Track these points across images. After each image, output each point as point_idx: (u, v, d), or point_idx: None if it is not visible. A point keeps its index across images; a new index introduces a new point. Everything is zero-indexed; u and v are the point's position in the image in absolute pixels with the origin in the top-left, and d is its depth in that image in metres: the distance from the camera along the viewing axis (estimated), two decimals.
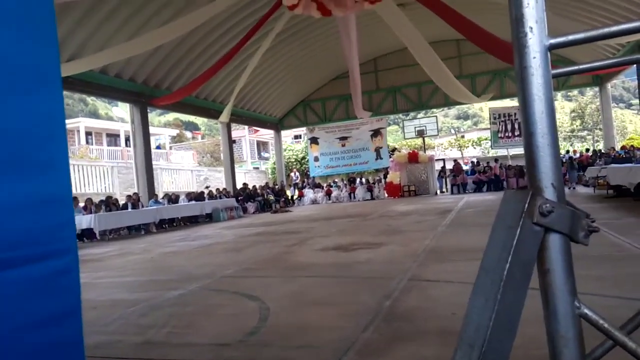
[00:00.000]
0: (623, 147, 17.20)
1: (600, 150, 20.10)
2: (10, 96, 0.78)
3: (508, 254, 0.55)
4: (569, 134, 37.92)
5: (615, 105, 40.37)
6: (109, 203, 13.67)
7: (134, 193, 15.01)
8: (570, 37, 0.62)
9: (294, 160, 31.77)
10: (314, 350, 2.63)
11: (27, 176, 0.80)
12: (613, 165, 11.56)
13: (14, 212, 0.77)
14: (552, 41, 0.61)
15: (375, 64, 23.35)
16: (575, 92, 44.67)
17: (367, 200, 21.61)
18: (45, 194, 0.83)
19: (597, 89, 22.29)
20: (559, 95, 23.35)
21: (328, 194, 22.83)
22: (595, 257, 4.12)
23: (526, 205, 0.58)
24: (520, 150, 25.59)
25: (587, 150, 20.97)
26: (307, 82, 23.53)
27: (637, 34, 0.67)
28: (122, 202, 14.65)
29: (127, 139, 26.92)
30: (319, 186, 23.79)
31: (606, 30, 0.62)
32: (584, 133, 38.37)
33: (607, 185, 11.59)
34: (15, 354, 0.78)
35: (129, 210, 13.56)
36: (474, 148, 34.97)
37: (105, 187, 20.64)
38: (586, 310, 0.58)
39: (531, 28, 0.60)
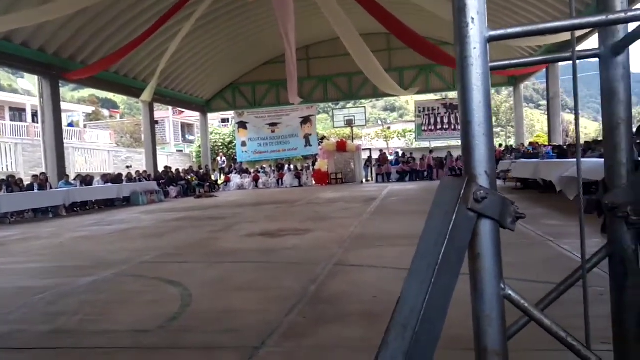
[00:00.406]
0: (531, 144, 18.77)
1: (511, 145, 21.75)
2: None
3: (444, 239, 0.57)
4: None
5: (526, 105, 43.90)
6: (11, 183, 12.47)
7: (42, 173, 13.81)
8: (509, 30, 0.64)
9: (220, 144, 31.01)
10: (238, 334, 2.61)
11: None
12: (522, 160, 12.58)
13: None
14: (492, 33, 0.63)
15: (307, 51, 23.30)
16: (493, 91, 47.81)
17: (295, 187, 21.71)
18: None
19: (511, 88, 23.97)
20: None
21: (255, 179, 22.62)
22: (505, 244, 4.47)
23: (462, 191, 0.60)
24: (441, 143, 27.10)
25: (500, 145, 22.60)
26: (237, 65, 22.93)
27: (572, 30, 0.71)
28: (27, 182, 13.43)
29: (34, 115, 24.63)
30: (246, 172, 23.47)
31: (542, 26, 0.65)
32: (498, 129, 41.31)
33: (516, 179, 12.63)
34: None
35: (35, 191, 12.47)
36: (399, 139, 36.33)
37: (7, 165, 18.79)
38: (510, 292, 0.62)
39: (472, 19, 0.62)
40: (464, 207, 0.60)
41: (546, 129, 21.94)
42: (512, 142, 27.19)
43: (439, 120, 23.39)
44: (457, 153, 23.46)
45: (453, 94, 27.72)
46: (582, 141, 19.29)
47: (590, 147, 11.02)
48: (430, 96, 26.28)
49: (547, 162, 11.04)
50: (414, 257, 0.58)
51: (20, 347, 2.61)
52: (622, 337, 0.85)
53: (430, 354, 0.53)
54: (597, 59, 0.85)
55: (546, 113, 22.75)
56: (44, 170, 14.32)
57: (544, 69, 19.22)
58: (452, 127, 23.38)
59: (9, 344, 2.66)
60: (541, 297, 0.85)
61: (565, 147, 13.37)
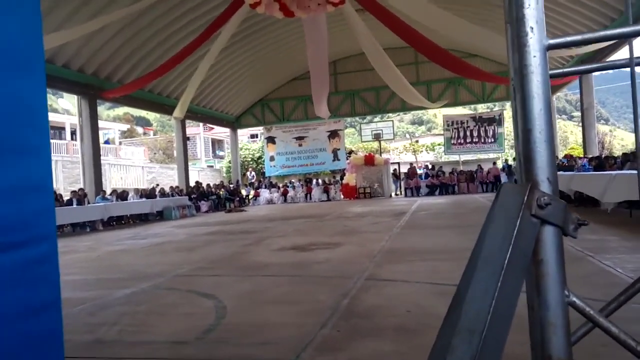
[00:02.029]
0: (565, 156, 18.28)
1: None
2: None
3: (509, 244, 0.57)
4: (512, 143, 39.79)
5: (559, 116, 42.86)
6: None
7: (80, 189, 14.32)
8: (568, 39, 0.65)
9: (250, 159, 31.44)
10: (273, 347, 2.62)
11: (9, 162, 0.74)
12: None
13: None
14: (551, 41, 0.64)
15: (334, 66, 23.51)
16: None
17: (324, 201, 21.74)
18: (27, 179, 0.77)
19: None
20: (507, 105, 24.48)
21: (284, 194, 22.76)
22: None
23: (525, 197, 0.60)
24: (471, 157, 26.67)
25: None
26: (265, 81, 23.35)
27: (631, 37, 0.71)
28: (66, 197, 13.93)
29: (72, 132, 25.63)
30: (275, 186, 23.67)
31: (601, 33, 0.66)
32: None
33: None
34: None
35: (74, 206, 12.92)
36: (428, 153, 35.98)
37: None
38: (574, 299, 0.62)
39: (532, 28, 0.63)
40: (527, 214, 0.60)
41: (580, 140, 21.31)
42: None
43: (468, 133, 23.09)
44: (487, 166, 23.02)
45: (482, 107, 27.34)
46: (619, 152, 18.65)
47: (629, 159, 10.65)
48: (459, 109, 26.05)
49: (583, 174, 10.73)
50: (476, 263, 0.59)
51: (67, 357, 2.69)
52: None
53: (497, 358, 0.54)
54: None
55: (580, 124, 22.12)
56: (82, 186, 14.83)
57: (577, 80, 18.78)
58: (482, 140, 23.00)
59: None
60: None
61: (603, 158, 12.94)
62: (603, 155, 16.36)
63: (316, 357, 2.43)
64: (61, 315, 0.84)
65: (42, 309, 0.80)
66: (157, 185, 20.36)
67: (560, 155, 20.06)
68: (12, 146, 0.77)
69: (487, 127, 22.90)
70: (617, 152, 25.44)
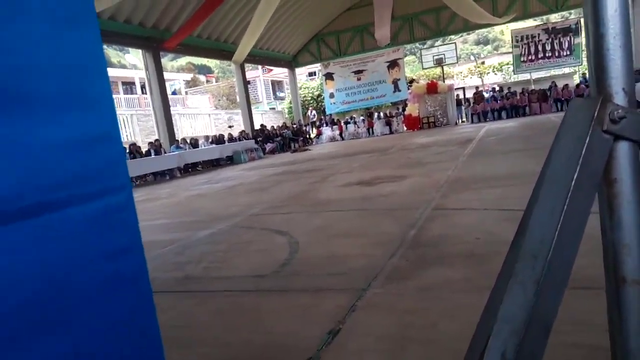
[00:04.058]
0: None
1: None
2: (51, 32, 0.77)
3: (576, 163, 0.53)
4: None
5: None
6: (133, 151, 13.89)
7: (156, 140, 15.17)
8: None
9: (310, 98, 31.34)
10: (344, 277, 2.73)
11: (77, 113, 0.80)
12: None
13: (68, 150, 0.79)
14: None
15: None
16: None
17: (386, 134, 21.43)
18: (95, 131, 0.83)
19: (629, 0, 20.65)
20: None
21: (340, 130, 22.55)
22: None
23: (596, 112, 0.55)
24: (544, 74, 24.60)
25: None
26: (320, 15, 22.61)
27: None
28: (144, 149, 14.86)
29: (142, 86, 26.78)
30: (336, 123, 23.57)
31: None
32: None
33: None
34: (85, 289, 0.82)
35: (153, 156, 13.79)
36: (495, 74, 33.74)
37: (127, 135, 20.88)
38: None
39: None
40: (598, 129, 0.55)
41: None
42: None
43: (540, 48, 21.04)
44: (562, 82, 21.19)
45: (555, 17, 24.72)
46: None
47: None
48: (529, 22, 23.74)
49: None
50: (540, 185, 0.56)
51: (160, 291, 3.00)
52: None
53: (563, 282, 0.52)
54: None
55: None
56: (157, 137, 15.71)
57: None
58: (557, 54, 20.91)
59: (156, 288, 3.07)
60: None
61: None
62: None
63: (386, 285, 2.51)
64: (144, 257, 0.93)
65: (123, 252, 0.88)
66: (231, 127, 21.00)
67: None
68: (76, 100, 0.82)
69: (561, 39, 20.70)
70: None
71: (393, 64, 23.36)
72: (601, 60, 0.57)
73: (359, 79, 23.94)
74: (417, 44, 30.42)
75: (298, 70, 27.57)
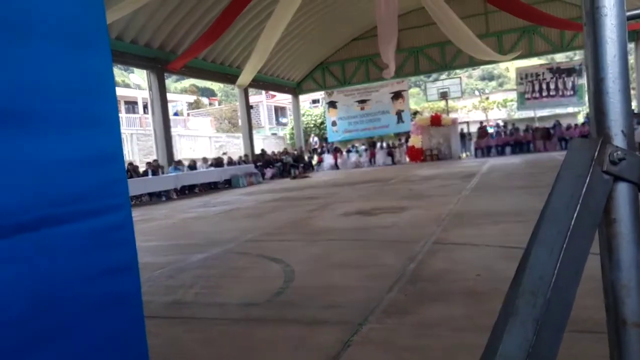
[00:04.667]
0: None
1: (633, 110, 19.41)
2: (62, 53, 0.79)
3: (577, 203, 0.54)
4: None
5: None
6: (130, 170, 13.92)
7: (154, 160, 15.22)
8: None
9: (312, 125, 31.62)
10: (340, 310, 2.68)
11: (83, 132, 0.81)
12: None
13: (71, 167, 0.79)
14: None
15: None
16: None
17: (388, 165, 21.49)
18: (99, 150, 0.84)
19: (632, 45, 20.90)
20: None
21: (335, 158, 22.59)
22: None
23: (596, 152, 0.56)
24: (548, 112, 24.78)
25: None
26: (325, 44, 23.05)
27: None
28: (142, 169, 14.88)
29: (144, 106, 27.05)
30: (339, 151, 23.69)
31: None
32: None
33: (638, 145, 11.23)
34: (79, 305, 0.81)
35: (150, 177, 13.79)
36: (499, 110, 34.10)
37: (125, 154, 20.98)
38: None
39: None
40: (598, 170, 0.55)
41: None
42: (634, 106, 24.23)
43: (544, 86, 21.28)
44: (566, 122, 21.37)
45: (560, 57, 25.18)
46: None
47: None
48: (534, 60, 24.14)
49: None
50: (541, 223, 0.56)
51: (148, 316, 2.94)
52: None
53: (563, 321, 0.52)
54: None
55: None
56: (155, 158, 15.76)
57: None
58: (560, 93, 21.07)
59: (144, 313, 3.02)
60: None
61: None
62: None
63: (384, 320, 2.46)
64: (138, 277, 0.93)
65: (119, 271, 0.88)
66: (225, 154, 21.14)
67: None
68: (82, 119, 0.83)
69: (565, 79, 20.96)
70: None
71: (397, 95, 23.64)
72: (601, 103, 0.58)
73: (362, 109, 24.18)
74: (422, 77, 30.91)
75: (302, 97, 27.91)
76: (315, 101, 38.34)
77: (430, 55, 22.74)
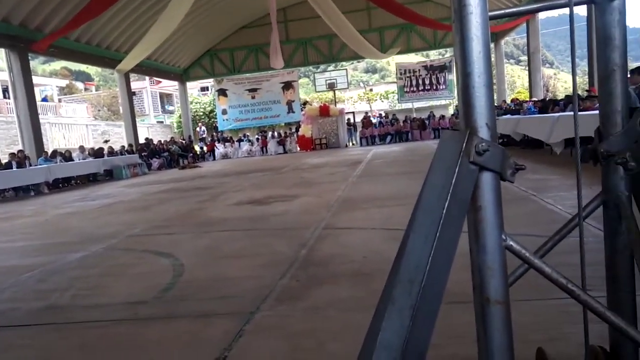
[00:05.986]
0: (513, 100, 18.86)
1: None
2: None
3: (447, 193, 0.57)
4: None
5: (507, 61, 43.78)
6: None
7: (19, 150, 13.47)
8: None
9: (201, 113, 30.49)
10: (233, 300, 2.64)
11: None
12: (504, 116, 12.66)
13: None
14: None
15: (285, 13, 22.66)
16: None
17: (280, 154, 21.61)
18: None
19: (492, 45, 23.66)
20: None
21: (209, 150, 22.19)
22: None
23: (464, 145, 0.59)
24: (424, 104, 27.06)
25: None
26: (213, 31, 22.25)
27: None
28: (4, 160, 13.10)
29: (5, 90, 23.74)
30: (229, 140, 23.22)
31: None
32: None
33: (499, 135, 12.71)
34: None
35: (14, 169, 12.19)
36: (382, 101, 36.11)
37: None
38: (511, 243, 0.63)
39: None
40: (466, 161, 0.59)
41: (527, 84, 21.94)
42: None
43: (420, 82, 23.41)
44: (439, 113, 23.56)
45: (434, 54, 27.47)
46: (562, 95, 19.46)
47: (571, 102, 11.12)
48: (412, 56, 25.97)
49: (529, 117, 11.15)
50: (416, 213, 0.59)
51: (14, 325, 2.61)
52: (615, 280, 0.89)
53: (436, 306, 0.55)
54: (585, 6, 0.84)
55: (527, 68, 22.72)
56: (21, 148, 13.95)
57: (524, 24, 19.11)
58: (434, 87, 23.40)
59: (5, 322, 2.65)
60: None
61: (547, 101, 13.45)
62: (547, 98, 17.01)
63: (276, 307, 2.48)
64: None
65: None
66: (107, 141, 19.47)
67: (508, 99, 20.66)
68: None
69: (438, 75, 23.25)
70: (561, 95, 26.54)
71: (288, 86, 23.79)
72: (468, 97, 0.62)
73: (253, 97, 23.92)
74: (310, 68, 31.44)
75: (189, 84, 26.71)
76: (204, 89, 36.97)
77: (319, 47, 23.25)
